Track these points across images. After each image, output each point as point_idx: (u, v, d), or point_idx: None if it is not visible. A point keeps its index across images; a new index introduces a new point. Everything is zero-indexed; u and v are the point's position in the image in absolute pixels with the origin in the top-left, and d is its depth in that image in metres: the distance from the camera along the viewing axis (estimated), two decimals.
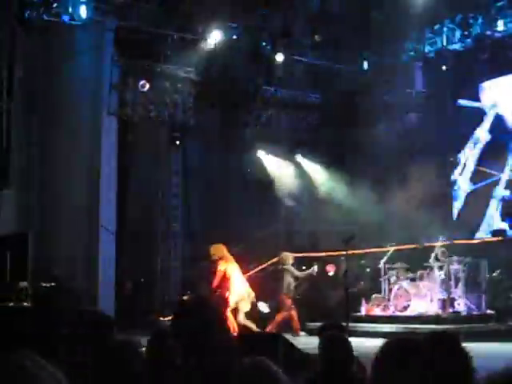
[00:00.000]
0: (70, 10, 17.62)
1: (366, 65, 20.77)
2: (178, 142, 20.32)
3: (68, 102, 18.68)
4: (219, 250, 14.17)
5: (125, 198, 19.52)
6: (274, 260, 17.58)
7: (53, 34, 18.48)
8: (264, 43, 19.35)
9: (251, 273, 17.94)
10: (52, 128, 18.86)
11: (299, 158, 21.90)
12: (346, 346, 4.85)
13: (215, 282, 13.98)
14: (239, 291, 14.27)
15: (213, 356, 3.45)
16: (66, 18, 17.76)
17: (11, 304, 11.57)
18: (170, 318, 12.39)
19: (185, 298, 14.23)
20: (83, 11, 17.70)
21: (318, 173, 21.71)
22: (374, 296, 17.71)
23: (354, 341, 5.53)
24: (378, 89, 20.76)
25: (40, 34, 18.56)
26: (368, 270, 19.10)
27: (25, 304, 12.36)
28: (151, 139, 20.48)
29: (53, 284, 14.40)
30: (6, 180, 17.85)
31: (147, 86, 18.86)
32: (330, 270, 18.51)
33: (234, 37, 19.21)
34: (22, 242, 17.00)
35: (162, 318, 17.23)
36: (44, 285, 14.00)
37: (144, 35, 18.52)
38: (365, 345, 8.86)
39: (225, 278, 13.98)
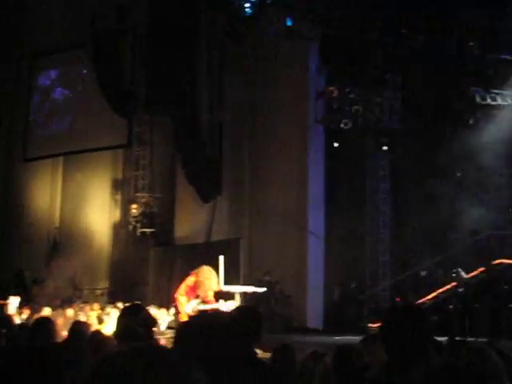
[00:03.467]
0: (276, 21, 18.14)
1: None
2: (385, 148, 20.17)
3: (275, 111, 19.13)
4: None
5: (332, 204, 19.64)
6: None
7: (260, 45, 19.07)
8: (471, 43, 18.75)
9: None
10: (260, 138, 19.40)
11: None
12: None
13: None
14: None
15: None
16: (271, 30, 18.31)
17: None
18: (378, 324, 12.10)
19: (395, 304, 13.81)
20: (288, 22, 18.16)
21: None
22: None
23: None
24: None
25: (247, 46, 19.22)
26: None
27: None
28: (357, 145, 20.42)
29: (264, 289, 14.79)
30: (219, 189, 18.58)
31: (352, 92, 18.95)
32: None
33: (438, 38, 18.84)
34: (234, 247, 17.67)
35: (371, 325, 17.16)
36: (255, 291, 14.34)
37: (348, 42, 18.58)
38: None
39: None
